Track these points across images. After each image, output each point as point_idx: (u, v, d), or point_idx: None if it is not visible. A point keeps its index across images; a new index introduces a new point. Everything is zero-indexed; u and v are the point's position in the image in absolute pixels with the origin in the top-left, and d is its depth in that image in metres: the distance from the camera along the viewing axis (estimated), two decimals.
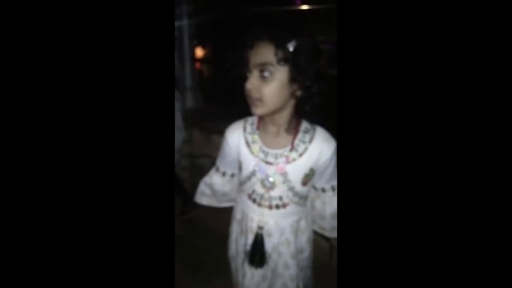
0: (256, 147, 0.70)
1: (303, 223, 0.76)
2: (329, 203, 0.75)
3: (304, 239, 0.78)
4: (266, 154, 0.69)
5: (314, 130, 0.68)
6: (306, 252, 0.81)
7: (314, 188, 0.75)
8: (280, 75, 0.59)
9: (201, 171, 2.06)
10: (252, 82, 0.60)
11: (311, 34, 0.66)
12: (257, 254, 0.73)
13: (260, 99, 0.60)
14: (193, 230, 1.80)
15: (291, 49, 0.58)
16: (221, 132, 2.08)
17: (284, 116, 0.66)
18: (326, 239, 1.52)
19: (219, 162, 0.84)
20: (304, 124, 0.68)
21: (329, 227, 0.80)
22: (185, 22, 2.06)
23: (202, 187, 0.91)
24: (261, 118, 0.71)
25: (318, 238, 1.43)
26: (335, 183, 0.73)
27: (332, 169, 0.70)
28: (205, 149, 2.03)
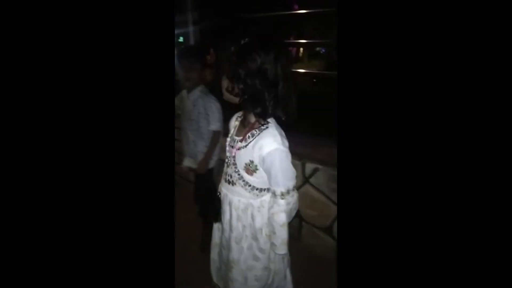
0: (231, 132, 0.90)
1: (256, 215, 0.85)
2: (279, 213, 0.79)
3: (261, 234, 0.86)
4: (233, 139, 0.86)
5: (266, 127, 0.78)
6: (266, 249, 0.88)
7: (271, 192, 0.81)
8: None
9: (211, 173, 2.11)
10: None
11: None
12: (213, 210, 0.94)
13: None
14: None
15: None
16: (226, 135, 2.14)
17: (252, 115, 0.80)
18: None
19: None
20: (264, 124, 0.79)
21: (279, 242, 0.83)
22: (190, 29, 2.13)
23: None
24: (244, 113, 0.85)
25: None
26: (284, 188, 0.77)
27: (277, 169, 0.75)
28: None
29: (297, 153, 1.58)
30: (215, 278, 1.05)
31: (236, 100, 0.79)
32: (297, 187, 1.57)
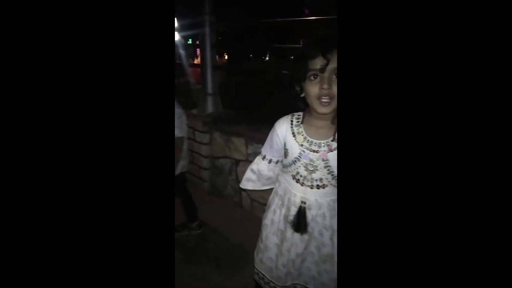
0: (300, 137, 0.85)
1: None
2: None
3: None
4: (310, 143, 0.84)
5: None
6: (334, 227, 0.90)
7: None
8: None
9: (221, 172, 2.18)
10: (329, 83, 0.73)
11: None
12: (302, 223, 0.89)
13: (332, 99, 0.74)
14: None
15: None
16: (239, 135, 2.22)
17: (334, 113, 0.79)
18: None
19: (266, 152, 1.00)
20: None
21: None
22: (207, 31, 2.19)
23: (249, 174, 1.07)
24: (306, 114, 0.86)
25: None
26: None
27: None
28: (225, 151, 2.13)
29: None
30: (281, 281, 0.99)
31: (330, 108, 0.76)
32: None
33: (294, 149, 0.86)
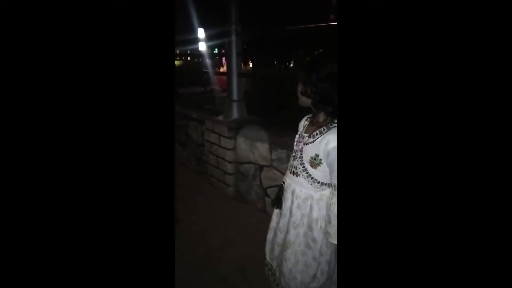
0: (300, 131, 1.01)
1: (315, 206, 0.94)
2: (332, 200, 0.88)
3: (316, 224, 0.95)
4: (301, 136, 0.98)
5: (334, 126, 0.88)
6: (318, 241, 0.97)
7: (333, 185, 0.89)
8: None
9: (245, 177, 2.20)
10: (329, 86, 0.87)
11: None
12: (276, 197, 1.07)
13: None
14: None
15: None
16: (263, 141, 2.23)
17: (322, 115, 0.92)
18: None
19: None
20: (332, 123, 0.90)
21: (333, 231, 0.89)
22: (233, 39, 2.25)
23: None
24: (314, 113, 0.98)
25: None
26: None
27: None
28: (249, 156, 2.16)
29: None
30: (268, 257, 1.17)
31: (308, 102, 0.92)
32: None
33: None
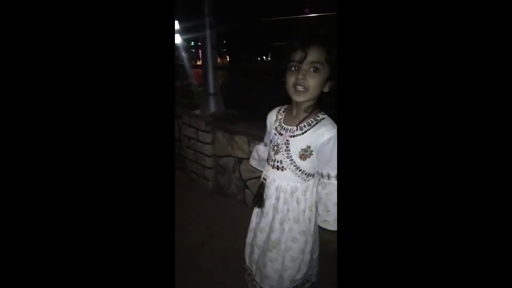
0: (277, 122, 0.96)
1: (301, 198, 0.92)
2: (333, 193, 0.86)
3: (303, 216, 0.95)
4: (282, 127, 0.93)
5: (322, 118, 0.86)
6: (305, 231, 0.96)
7: (321, 175, 0.88)
8: (324, 72, 0.80)
9: (224, 170, 2.20)
10: (303, 75, 0.80)
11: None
12: (257, 196, 1.01)
13: (306, 89, 0.81)
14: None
15: (335, 52, 0.77)
16: (242, 134, 2.24)
17: (309, 104, 0.87)
18: None
19: (265, 136, 1.10)
20: (318, 113, 0.88)
21: (332, 219, 0.88)
22: (207, 32, 2.21)
23: (254, 152, 1.18)
24: (296, 105, 0.90)
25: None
26: (336, 171, 0.85)
27: (334, 154, 0.83)
28: (228, 150, 2.16)
29: None
30: (247, 261, 1.14)
31: (304, 97, 0.84)
32: None
33: (271, 132, 0.97)
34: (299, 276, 1.02)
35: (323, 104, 0.88)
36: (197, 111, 2.35)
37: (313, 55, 0.78)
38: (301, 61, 0.79)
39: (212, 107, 2.30)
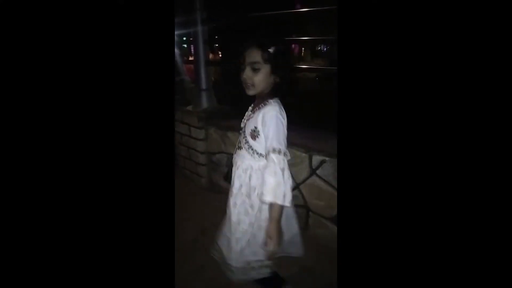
0: (248, 112, 1.11)
1: (253, 176, 1.06)
2: (269, 167, 0.93)
3: (254, 192, 1.07)
4: (246, 116, 1.10)
5: (272, 102, 0.99)
6: (255, 206, 1.07)
7: (266, 154, 0.96)
8: (264, 69, 0.94)
9: (218, 167, 2.19)
10: (246, 74, 0.95)
11: (284, 40, 0.97)
12: (227, 172, 1.19)
13: (252, 84, 0.96)
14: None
15: (271, 51, 0.92)
16: (235, 129, 2.23)
17: (264, 94, 1.00)
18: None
19: None
20: (271, 99, 0.99)
21: (266, 189, 0.94)
22: (199, 26, 2.18)
23: None
24: (258, 96, 1.04)
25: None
26: (276, 145, 0.93)
27: (273, 131, 0.94)
28: (221, 146, 2.15)
29: (304, 146, 1.63)
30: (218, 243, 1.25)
31: (252, 91, 0.98)
32: (305, 179, 1.63)
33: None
34: (253, 258, 1.11)
35: (282, 92, 1.00)
36: (190, 107, 2.33)
37: (251, 56, 0.93)
38: (243, 63, 0.95)
39: (205, 103, 2.28)
